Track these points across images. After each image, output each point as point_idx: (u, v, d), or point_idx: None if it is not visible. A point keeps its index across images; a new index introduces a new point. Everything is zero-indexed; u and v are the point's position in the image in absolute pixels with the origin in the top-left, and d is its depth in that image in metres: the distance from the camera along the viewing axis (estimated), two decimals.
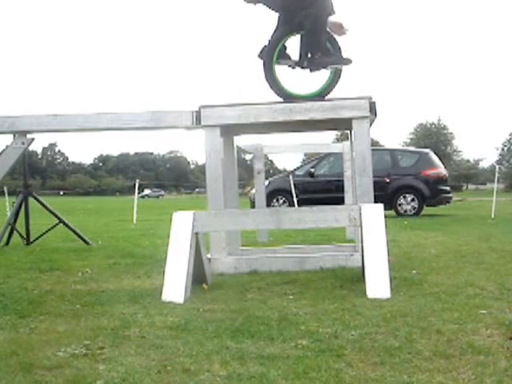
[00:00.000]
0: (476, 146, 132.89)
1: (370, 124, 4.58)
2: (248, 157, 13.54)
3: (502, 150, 64.45)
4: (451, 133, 64.65)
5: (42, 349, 2.51)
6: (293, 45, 4.80)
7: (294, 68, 4.75)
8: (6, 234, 7.00)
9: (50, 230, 7.38)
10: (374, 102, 4.49)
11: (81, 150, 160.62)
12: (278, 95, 4.73)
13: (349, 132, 5.41)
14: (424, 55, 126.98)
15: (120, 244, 7.19)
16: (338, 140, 40.82)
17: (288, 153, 9.57)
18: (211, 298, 3.58)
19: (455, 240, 6.94)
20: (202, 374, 2.16)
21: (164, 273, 3.63)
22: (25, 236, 7.15)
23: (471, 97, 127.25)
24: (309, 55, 4.64)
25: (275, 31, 4.74)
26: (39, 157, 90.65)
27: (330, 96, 4.72)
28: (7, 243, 7.01)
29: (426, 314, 2.96)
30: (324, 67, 4.70)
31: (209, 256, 4.48)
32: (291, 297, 3.56)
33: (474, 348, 2.37)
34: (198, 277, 3.88)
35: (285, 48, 4.74)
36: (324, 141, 13.84)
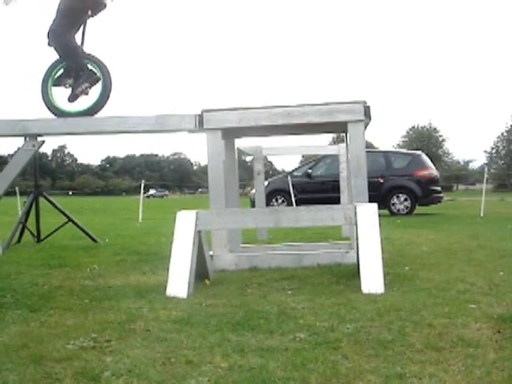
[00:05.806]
0: (466, 148, 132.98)
1: (365, 127, 4.65)
2: (248, 158, 13.59)
3: (490, 153, 64.53)
4: (441, 135, 64.79)
5: (52, 341, 2.55)
6: None
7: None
8: (18, 232, 7.08)
9: (59, 228, 7.47)
10: (368, 106, 4.56)
11: (89, 151, 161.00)
12: (52, 112, 5.07)
13: (344, 135, 5.51)
14: (416, 61, 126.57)
15: (126, 242, 7.25)
16: (335, 142, 40.73)
17: (287, 154, 9.63)
18: (213, 293, 3.63)
19: (446, 238, 6.99)
20: (204, 365, 2.20)
21: (168, 269, 3.68)
22: (35, 234, 7.25)
23: (461, 101, 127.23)
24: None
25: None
26: (49, 158, 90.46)
27: (325, 101, 4.77)
28: (19, 241, 7.10)
29: (418, 309, 3.00)
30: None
31: (211, 253, 4.54)
32: (289, 292, 3.61)
33: (464, 341, 2.41)
34: (201, 273, 3.95)
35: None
36: (321, 143, 13.88)
